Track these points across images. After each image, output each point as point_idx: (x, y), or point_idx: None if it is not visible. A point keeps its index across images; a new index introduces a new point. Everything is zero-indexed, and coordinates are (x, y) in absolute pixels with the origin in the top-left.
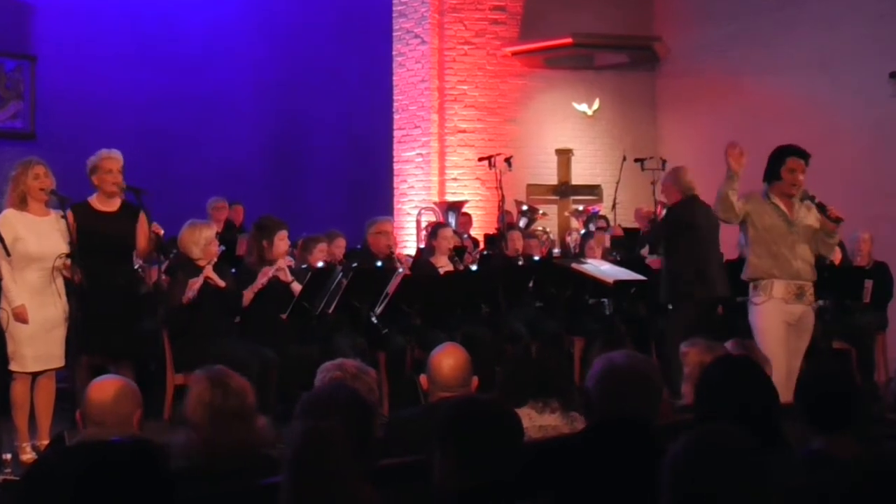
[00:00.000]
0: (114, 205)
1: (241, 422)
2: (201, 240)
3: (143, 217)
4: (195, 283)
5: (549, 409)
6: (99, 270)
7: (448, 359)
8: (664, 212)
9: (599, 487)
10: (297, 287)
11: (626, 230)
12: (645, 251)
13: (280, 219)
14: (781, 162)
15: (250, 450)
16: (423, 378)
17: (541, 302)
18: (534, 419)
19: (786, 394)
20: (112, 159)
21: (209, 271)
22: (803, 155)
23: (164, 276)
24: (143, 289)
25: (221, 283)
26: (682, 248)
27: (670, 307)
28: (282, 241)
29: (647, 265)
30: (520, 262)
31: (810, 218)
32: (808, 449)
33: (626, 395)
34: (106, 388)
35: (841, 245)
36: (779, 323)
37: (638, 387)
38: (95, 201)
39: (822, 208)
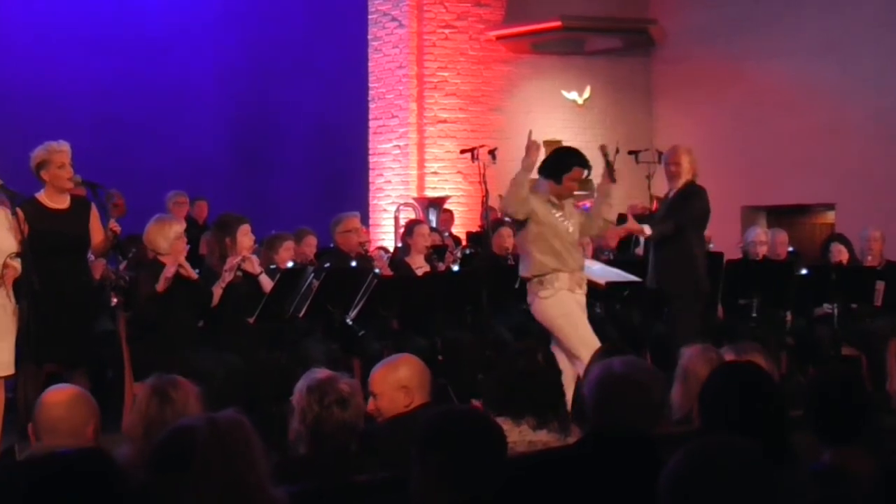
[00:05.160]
0: (64, 201)
1: None
2: (171, 233)
3: (94, 211)
4: (168, 272)
5: (547, 427)
6: (52, 272)
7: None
8: (688, 188)
9: (593, 502)
10: (266, 281)
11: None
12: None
13: (240, 214)
14: (568, 168)
15: None
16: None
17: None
18: (524, 434)
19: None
20: (63, 152)
21: (182, 259)
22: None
23: (123, 281)
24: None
25: (194, 275)
26: (695, 236)
27: (672, 305)
28: (245, 235)
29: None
30: (510, 262)
31: (576, 214)
32: (817, 463)
33: (624, 405)
34: (60, 398)
35: (848, 244)
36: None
37: (637, 397)
38: (45, 198)
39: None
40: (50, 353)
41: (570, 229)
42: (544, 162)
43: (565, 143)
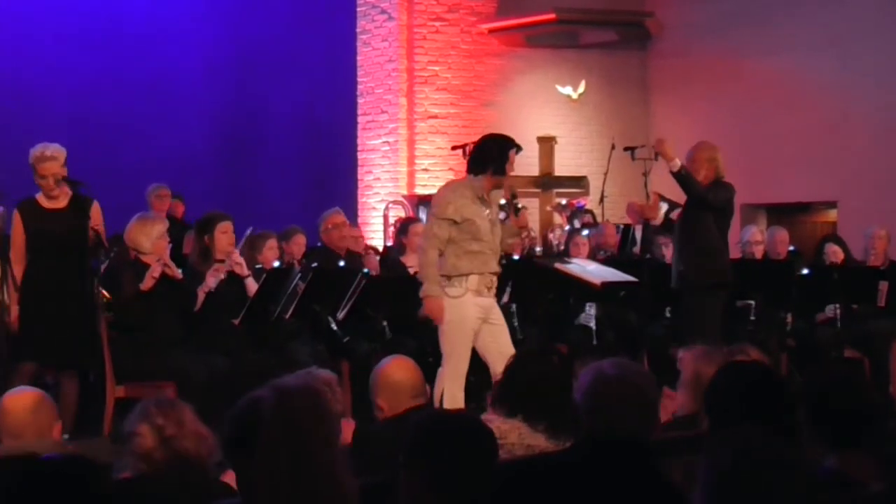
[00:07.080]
0: (62, 200)
1: None
2: (153, 232)
3: (96, 208)
4: (155, 271)
5: (554, 432)
6: (47, 271)
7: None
8: (713, 183)
9: None
10: (252, 285)
11: (615, 226)
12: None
13: (224, 213)
14: (507, 157)
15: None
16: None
17: (520, 306)
18: (524, 437)
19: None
20: (48, 164)
21: (167, 259)
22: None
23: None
24: None
25: (179, 275)
26: (719, 229)
27: (692, 294)
28: (224, 233)
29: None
30: (502, 262)
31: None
32: (821, 467)
33: (618, 410)
34: (22, 403)
35: (843, 244)
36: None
37: (631, 401)
38: (42, 198)
39: (517, 210)
40: (43, 355)
41: (494, 230)
42: (478, 157)
43: (560, 140)
